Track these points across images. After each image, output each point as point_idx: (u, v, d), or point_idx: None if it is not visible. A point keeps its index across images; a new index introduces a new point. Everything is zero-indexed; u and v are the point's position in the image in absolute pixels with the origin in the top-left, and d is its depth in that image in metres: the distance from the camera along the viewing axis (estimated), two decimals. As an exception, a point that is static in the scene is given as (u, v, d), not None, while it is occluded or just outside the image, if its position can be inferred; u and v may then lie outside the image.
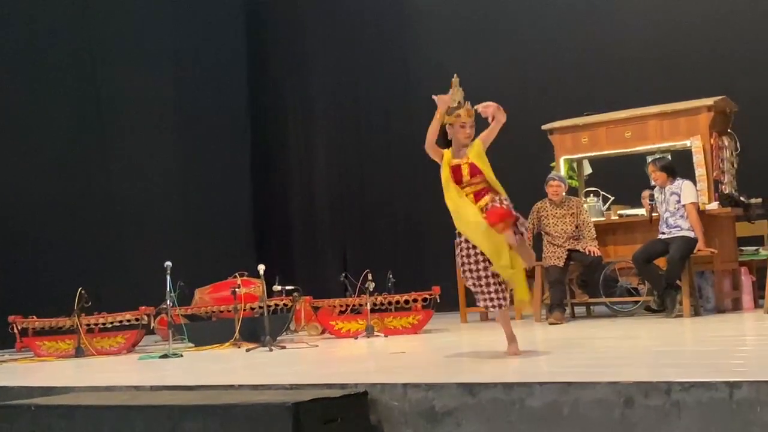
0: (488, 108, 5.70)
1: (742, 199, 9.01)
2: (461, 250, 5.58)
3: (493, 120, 5.71)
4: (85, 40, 12.15)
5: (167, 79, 13.12)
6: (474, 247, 5.52)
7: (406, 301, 8.63)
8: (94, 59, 12.26)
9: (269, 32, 14.69)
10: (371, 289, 8.42)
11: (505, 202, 5.56)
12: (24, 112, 11.29)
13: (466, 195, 5.59)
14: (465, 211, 5.55)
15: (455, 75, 5.84)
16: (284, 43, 14.56)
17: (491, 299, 5.54)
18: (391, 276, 8.75)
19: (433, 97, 5.71)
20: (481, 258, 5.51)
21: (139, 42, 12.69)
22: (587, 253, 8.81)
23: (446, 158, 5.69)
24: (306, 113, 14.35)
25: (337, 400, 4.16)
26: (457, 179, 5.64)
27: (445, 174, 5.64)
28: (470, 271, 5.55)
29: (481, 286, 5.54)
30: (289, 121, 14.51)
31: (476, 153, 5.67)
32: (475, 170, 5.63)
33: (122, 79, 12.38)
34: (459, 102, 5.78)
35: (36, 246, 11.02)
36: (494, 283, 5.52)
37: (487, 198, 5.57)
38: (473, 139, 5.71)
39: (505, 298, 5.53)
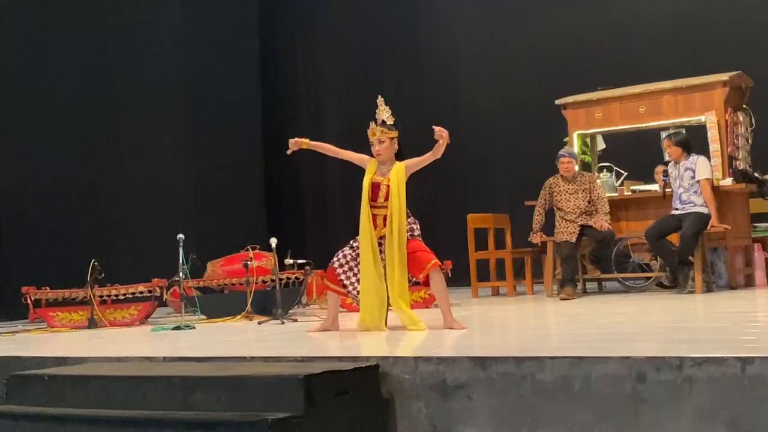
0: (442, 132, 6.04)
1: (756, 175, 8.98)
2: (353, 250, 6.14)
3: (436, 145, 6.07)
4: (97, 17, 12.12)
5: (177, 54, 13.10)
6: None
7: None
8: (105, 35, 12.23)
9: (280, 3, 14.64)
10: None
11: (414, 233, 6.09)
12: (35, 86, 11.30)
13: (377, 216, 6.04)
14: (365, 243, 6.03)
15: (379, 96, 6.24)
16: (295, 14, 14.51)
17: (354, 291, 6.16)
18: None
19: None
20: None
21: (150, 19, 12.67)
22: (598, 227, 8.78)
23: (369, 171, 6.13)
24: (317, 84, 14.33)
25: (348, 372, 4.17)
26: (374, 196, 6.06)
27: (365, 188, 6.08)
28: (350, 268, 6.15)
29: (351, 282, 6.16)
30: (300, 92, 14.49)
31: (397, 177, 6.04)
32: (389, 195, 6.02)
33: (133, 55, 12.37)
34: (383, 120, 6.18)
35: (49, 218, 11.06)
36: (357, 283, 6.15)
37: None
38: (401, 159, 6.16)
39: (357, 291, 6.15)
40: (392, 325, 6.13)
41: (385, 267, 6.04)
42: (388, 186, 6.03)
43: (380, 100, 6.23)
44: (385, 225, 6.04)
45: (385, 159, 6.15)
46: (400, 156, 6.18)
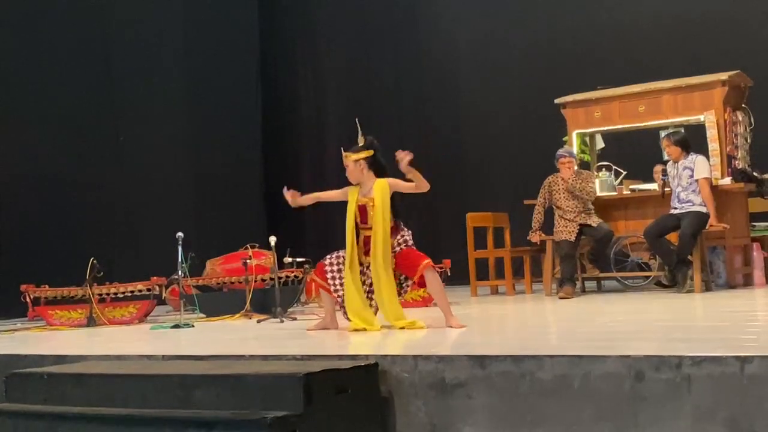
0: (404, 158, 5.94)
1: (755, 174, 8.98)
2: (340, 259, 6.15)
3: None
4: (97, 16, 12.12)
5: (178, 53, 13.10)
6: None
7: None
8: (106, 35, 12.23)
9: (280, 3, 14.62)
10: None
11: (408, 243, 6.12)
12: (35, 84, 11.28)
13: (368, 235, 6.03)
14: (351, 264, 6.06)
15: (356, 119, 6.24)
16: (295, 14, 14.50)
17: (338, 296, 6.18)
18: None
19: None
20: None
21: (151, 18, 12.67)
22: (566, 176, 8.82)
23: (353, 196, 6.13)
24: (317, 81, 14.32)
25: (347, 371, 4.17)
26: (364, 219, 6.08)
27: (350, 212, 6.10)
28: (339, 270, 6.15)
29: (335, 284, 6.17)
30: (300, 90, 14.49)
31: (380, 194, 6.03)
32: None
33: (134, 54, 12.36)
34: (357, 141, 6.21)
35: (49, 216, 11.05)
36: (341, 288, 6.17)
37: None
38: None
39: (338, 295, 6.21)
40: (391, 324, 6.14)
41: (371, 285, 6.07)
42: (374, 207, 6.02)
43: (357, 122, 6.23)
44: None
45: (357, 181, 6.17)
46: (382, 173, 6.14)
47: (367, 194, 6.10)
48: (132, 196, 12.05)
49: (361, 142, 6.19)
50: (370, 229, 6.04)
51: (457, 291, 9.84)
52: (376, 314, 6.11)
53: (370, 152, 6.15)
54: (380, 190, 6.04)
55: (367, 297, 6.10)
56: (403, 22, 13.44)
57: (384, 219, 5.99)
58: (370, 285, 6.09)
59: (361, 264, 6.08)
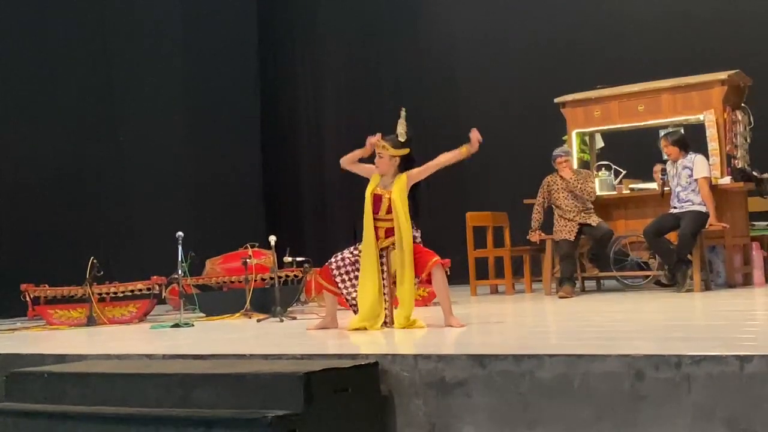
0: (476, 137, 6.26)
1: (754, 173, 8.99)
2: (353, 255, 6.14)
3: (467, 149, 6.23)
4: (95, 9, 12.13)
5: (176, 48, 13.11)
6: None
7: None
8: (104, 29, 12.24)
9: (280, 3, 14.63)
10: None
11: (416, 240, 6.11)
12: (35, 84, 11.29)
13: (378, 228, 6.05)
14: (368, 253, 6.02)
15: (403, 108, 6.19)
16: (295, 14, 14.51)
17: (349, 297, 6.17)
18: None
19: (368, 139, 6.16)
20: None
21: (150, 18, 12.67)
22: (567, 176, 8.86)
23: (372, 183, 6.13)
24: (317, 82, 14.33)
25: (347, 370, 4.17)
26: (376, 209, 6.07)
27: (367, 200, 6.08)
28: (347, 272, 6.14)
29: (346, 286, 6.15)
30: (299, 90, 14.49)
31: (399, 189, 6.04)
32: (392, 208, 6.04)
33: (133, 53, 12.37)
34: (399, 134, 6.14)
35: (48, 215, 11.05)
36: (354, 289, 6.14)
37: (393, 239, 6.03)
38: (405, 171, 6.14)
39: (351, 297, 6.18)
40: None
41: (386, 280, 6.05)
42: (390, 199, 6.02)
43: (402, 112, 6.18)
44: (387, 237, 6.05)
45: (384, 172, 6.13)
46: (410, 167, 6.13)
47: (387, 186, 6.08)
48: (132, 195, 12.05)
49: (403, 137, 6.12)
50: (381, 220, 6.04)
51: (457, 290, 9.84)
52: (384, 319, 6.09)
53: (407, 151, 6.13)
54: (399, 186, 6.03)
55: (384, 288, 6.08)
56: (403, 22, 13.44)
57: (405, 211, 6.00)
58: (383, 272, 6.07)
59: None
